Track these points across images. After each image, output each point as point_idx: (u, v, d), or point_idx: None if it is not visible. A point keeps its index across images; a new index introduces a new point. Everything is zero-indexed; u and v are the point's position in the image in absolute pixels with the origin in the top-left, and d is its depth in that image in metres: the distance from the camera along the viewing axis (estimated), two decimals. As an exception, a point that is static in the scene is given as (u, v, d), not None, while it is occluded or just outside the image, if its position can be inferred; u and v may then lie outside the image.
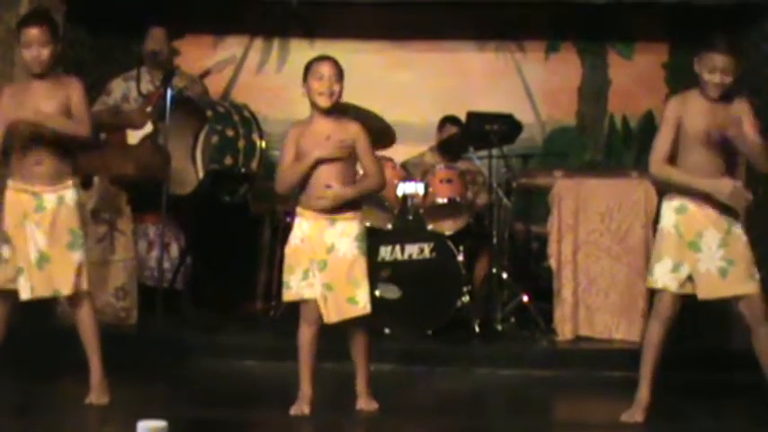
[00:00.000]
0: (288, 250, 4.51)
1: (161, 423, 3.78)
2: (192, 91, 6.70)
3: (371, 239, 4.90)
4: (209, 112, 6.29)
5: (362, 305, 4.41)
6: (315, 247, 4.42)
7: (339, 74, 4.44)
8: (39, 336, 5.76)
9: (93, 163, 6.12)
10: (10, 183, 4.47)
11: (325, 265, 4.39)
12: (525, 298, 6.30)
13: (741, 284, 4.27)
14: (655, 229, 5.96)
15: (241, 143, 6.34)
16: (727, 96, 4.27)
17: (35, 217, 4.38)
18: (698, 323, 6.44)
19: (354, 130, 4.50)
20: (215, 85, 7.52)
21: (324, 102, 4.42)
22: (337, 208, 4.42)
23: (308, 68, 4.47)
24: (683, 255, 4.33)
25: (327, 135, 4.44)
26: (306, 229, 4.45)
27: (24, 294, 4.40)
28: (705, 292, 4.32)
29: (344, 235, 4.42)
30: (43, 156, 4.39)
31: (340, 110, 4.58)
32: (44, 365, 5.23)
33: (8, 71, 6.65)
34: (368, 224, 4.95)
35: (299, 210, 4.52)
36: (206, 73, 6.91)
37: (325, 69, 4.43)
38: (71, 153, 4.47)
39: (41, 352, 5.40)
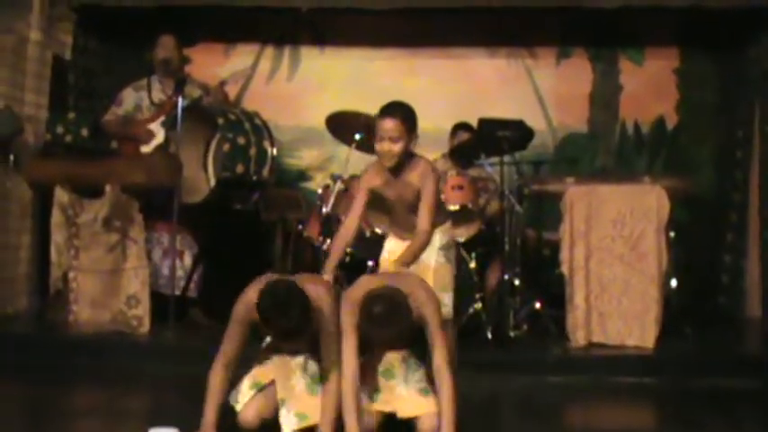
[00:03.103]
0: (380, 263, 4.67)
1: (172, 431, 3.79)
2: (210, 99, 6.68)
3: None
4: (220, 120, 6.30)
5: (448, 309, 4.43)
6: None
7: (400, 129, 4.41)
8: (51, 343, 5.78)
9: (104, 171, 6.14)
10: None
11: None
12: (538, 305, 6.29)
13: None
14: (668, 235, 5.98)
15: (252, 151, 6.33)
16: None
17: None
18: (711, 331, 6.45)
19: (422, 177, 4.44)
20: (225, 93, 7.55)
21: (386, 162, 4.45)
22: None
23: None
24: None
25: (398, 178, 4.47)
26: (392, 245, 4.61)
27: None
28: None
29: (429, 247, 4.46)
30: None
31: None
32: (56, 373, 5.23)
33: (19, 80, 6.67)
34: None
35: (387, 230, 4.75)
36: (223, 83, 6.92)
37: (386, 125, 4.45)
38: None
39: (53, 359, 5.40)
